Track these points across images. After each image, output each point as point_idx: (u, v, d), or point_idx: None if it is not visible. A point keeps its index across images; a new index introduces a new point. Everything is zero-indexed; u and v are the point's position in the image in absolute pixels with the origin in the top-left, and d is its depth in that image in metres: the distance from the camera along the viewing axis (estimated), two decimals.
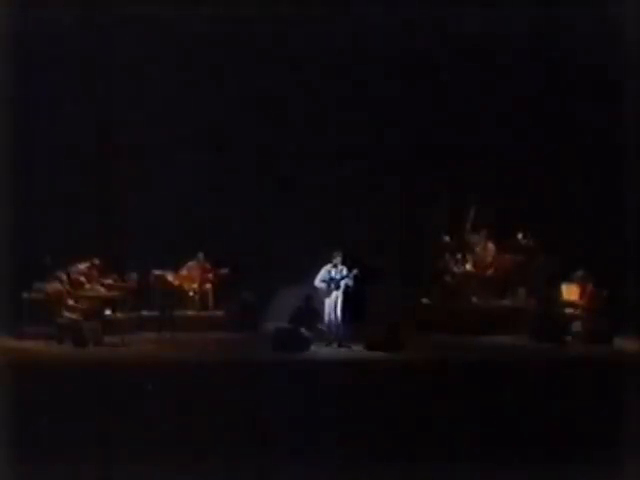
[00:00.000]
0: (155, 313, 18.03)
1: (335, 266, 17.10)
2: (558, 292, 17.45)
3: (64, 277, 16.81)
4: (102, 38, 18.76)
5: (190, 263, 18.95)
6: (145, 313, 18.15)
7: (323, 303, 17.16)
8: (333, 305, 17.11)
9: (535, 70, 18.99)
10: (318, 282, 17.18)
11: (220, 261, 18.89)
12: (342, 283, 17.05)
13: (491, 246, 18.73)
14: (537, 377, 13.34)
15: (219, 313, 18.85)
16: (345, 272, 17.04)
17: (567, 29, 18.52)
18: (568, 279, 17.39)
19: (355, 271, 17.02)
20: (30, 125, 17.83)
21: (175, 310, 18.14)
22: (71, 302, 16.74)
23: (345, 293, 17.09)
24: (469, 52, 19.02)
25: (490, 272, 18.72)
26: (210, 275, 18.97)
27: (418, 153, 19.26)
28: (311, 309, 17.57)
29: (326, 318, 17.12)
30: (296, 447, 9.06)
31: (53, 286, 16.67)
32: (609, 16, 17.52)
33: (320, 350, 16.27)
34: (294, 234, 19.01)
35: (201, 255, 18.95)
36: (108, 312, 17.25)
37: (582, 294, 17.25)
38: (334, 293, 17.05)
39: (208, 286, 19.03)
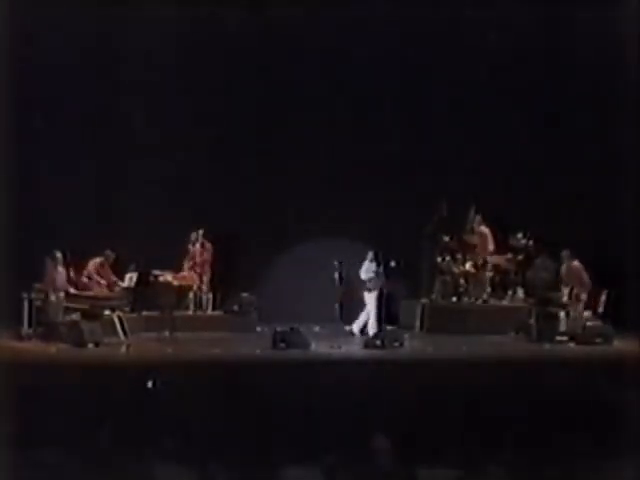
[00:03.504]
0: (155, 313, 18.06)
1: (371, 261, 17.51)
2: (557, 292, 17.46)
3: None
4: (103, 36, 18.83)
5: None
6: (145, 313, 18.20)
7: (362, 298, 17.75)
8: (374, 300, 17.50)
9: (535, 69, 18.99)
10: (364, 274, 17.53)
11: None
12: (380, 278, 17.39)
13: (484, 229, 18.67)
14: (536, 377, 13.34)
15: (219, 313, 18.88)
16: (382, 268, 17.40)
17: (567, 29, 18.56)
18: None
19: (392, 263, 17.34)
20: (30, 125, 17.84)
21: (175, 310, 18.15)
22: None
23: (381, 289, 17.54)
24: (468, 51, 19.04)
25: (489, 272, 18.73)
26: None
27: (418, 152, 19.29)
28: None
29: (369, 314, 17.50)
30: (295, 447, 9.06)
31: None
32: (609, 16, 17.57)
33: (320, 350, 16.26)
34: (294, 233, 19.05)
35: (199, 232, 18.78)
36: (108, 312, 17.27)
37: None
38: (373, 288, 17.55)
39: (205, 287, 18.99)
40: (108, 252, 17.70)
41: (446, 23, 18.81)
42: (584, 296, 17.11)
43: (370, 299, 17.78)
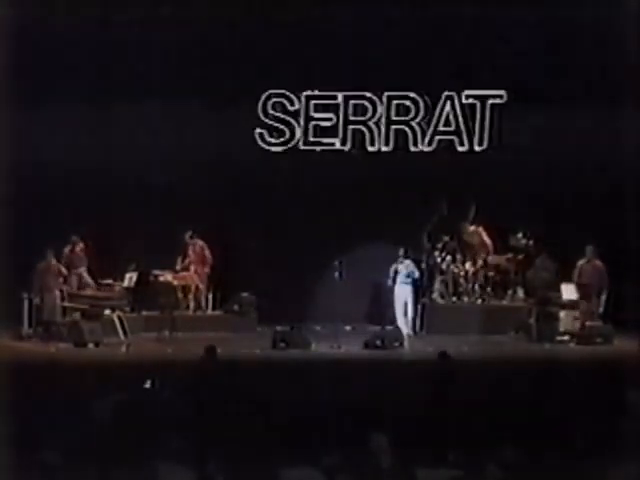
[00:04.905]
0: (155, 313, 18.07)
1: (401, 262, 17.57)
2: (557, 292, 17.46)
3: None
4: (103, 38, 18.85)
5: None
6: (145, 313, 18.21)
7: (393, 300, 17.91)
8: (402, 300, 17.69)
9: (535, 69, 18.99)
10: (403, 269, 17.64)
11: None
12: (409, 278, 17.58)
13: (478, 229, 18.67)
14: (536, 377, 13.34)
15: (219, 313, 18.88)
16: (412, 267, 17.42)
17: (567, 29, 18.57)
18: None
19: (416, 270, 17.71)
20: (29, 124, 17.84)
21: (175, 310, 18.15)
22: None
23: (415, 287, 17.77)
24: (468, 50, 19.05)
25: (489, 272, 18.74)
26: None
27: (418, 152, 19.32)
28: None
29: (397, 314, 17.67)
30: (295, 447, 9.06)
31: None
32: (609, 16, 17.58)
33: (320, 349, 16.26)
34: (293, 233, 19.06)
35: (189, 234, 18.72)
36: (108, 312, 17.27)
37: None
38: (397, 288, 17.60)
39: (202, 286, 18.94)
40: (73, 238, 17.60)
41: (445, 22, 18.82)
42: (603, 297, 17.09)
43: (405, 295, 17.81)
